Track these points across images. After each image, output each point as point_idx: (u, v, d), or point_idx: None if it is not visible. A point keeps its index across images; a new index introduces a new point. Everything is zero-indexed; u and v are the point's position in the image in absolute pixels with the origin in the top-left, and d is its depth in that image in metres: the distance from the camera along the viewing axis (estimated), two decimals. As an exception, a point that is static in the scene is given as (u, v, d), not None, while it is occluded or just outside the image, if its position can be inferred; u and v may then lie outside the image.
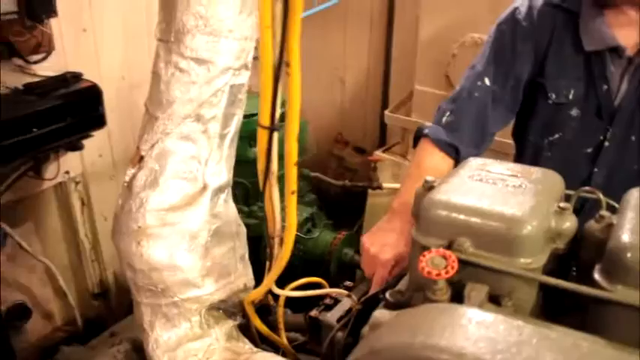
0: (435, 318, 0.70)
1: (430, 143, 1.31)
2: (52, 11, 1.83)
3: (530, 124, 1.43)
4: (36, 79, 1.87)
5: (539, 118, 1.40)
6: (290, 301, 1.24)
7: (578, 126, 1.37)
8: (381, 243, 1.19)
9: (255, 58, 0.94)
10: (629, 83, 1.30)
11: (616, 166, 1.37)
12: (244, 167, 1.65)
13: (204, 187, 1.05)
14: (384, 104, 3.16)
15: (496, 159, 1.03)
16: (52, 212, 2.28)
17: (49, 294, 2.35)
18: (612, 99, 1.32)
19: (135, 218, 1.03)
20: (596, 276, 0.78)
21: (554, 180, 0.96)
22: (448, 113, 1.35)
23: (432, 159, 1.30)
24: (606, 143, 1.36)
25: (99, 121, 1.97)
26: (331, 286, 1.26)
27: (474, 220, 0.85)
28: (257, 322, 1.15)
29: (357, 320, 1.12)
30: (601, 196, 0.90)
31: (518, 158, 1.52)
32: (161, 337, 1.03)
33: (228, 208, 1.11)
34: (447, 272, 0.77)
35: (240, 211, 1.21)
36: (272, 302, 1.26)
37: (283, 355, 1.27)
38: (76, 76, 1.92)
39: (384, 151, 2.67)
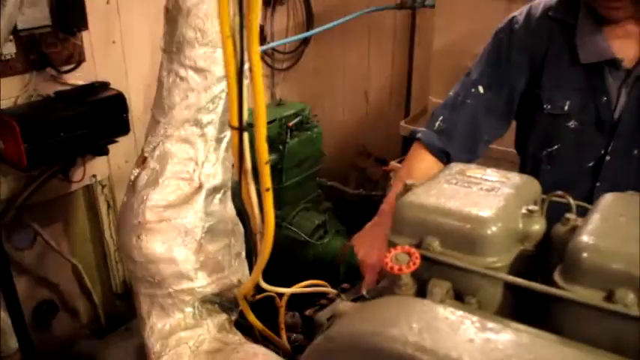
0: (389, 309, 0.74)
1: (422, 147, 1.34)
2: (83, 25, 1.97)
3: (529, 136, 1.44)
4: (66, 88, 2.02)
5: (537, 130, 1.41)
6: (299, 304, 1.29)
7: (577, 139, 1.36)
8: (370, 246, 1.22)
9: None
10: (628, 95, 1.29)
11: (619, 181, 1.33)
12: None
13: (200, 187, 1.12)
14: (407, 117, 3.20)
15: (501, 168, 1.04)
16: (80, 214, 2.41)
17: (75, 292, 2.47)
18: (612, 111, 1.31)
19: (136, 214, 1.12)
20: (556, 276, 0.81)
21: (529, 185, 0.98)
22: (441, 119, 1.38)
23: (423, 163, 1.33)
24: (607, 157, 1.34)
25: (124, 128, 2.09)
26: (330, 300, 1.31)
27: (442, 220, 0.88)
28: (251, 318, 1.21)
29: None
30: (571, 200, 0.92)
31: (521, 171, 1.53)
32: (156, 325, 1.11)
33: (224, 207, 1.18)
34: (408, 267, 0.81)
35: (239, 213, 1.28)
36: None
37: (284, 355, 1.32)
38: (103, 85, 2.05)
39: (399, 162, 2.71)
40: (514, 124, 1.49)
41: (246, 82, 0.79)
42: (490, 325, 0.69)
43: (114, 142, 2.11)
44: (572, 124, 1.35)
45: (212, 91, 1.10)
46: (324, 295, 1.33)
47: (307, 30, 3.12)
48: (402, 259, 0.83)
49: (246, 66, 0.74)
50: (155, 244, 1.09)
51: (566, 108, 1.34)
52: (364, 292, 1.12)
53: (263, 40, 2.95)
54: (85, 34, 2.05)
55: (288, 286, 1.19)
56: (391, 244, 0.93)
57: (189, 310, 1.12)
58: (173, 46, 1.10)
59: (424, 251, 0.86)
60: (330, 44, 3.34)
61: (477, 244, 0.85)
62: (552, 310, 0.81)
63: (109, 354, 1.58)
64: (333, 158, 3.09)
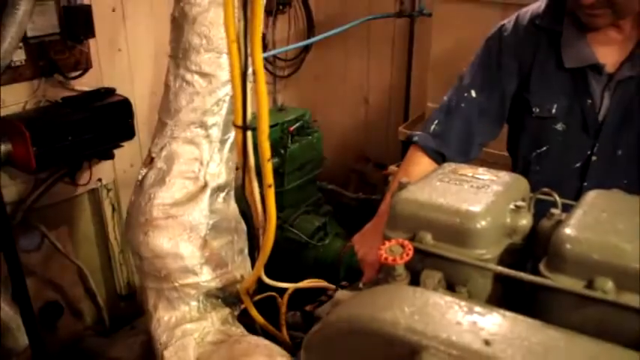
0: (383, 296, 0.80)
1: (419, 149, 1.39)
2: (90, 33, 2.04)
3: (520, 139, 1.49)
4: (73, 94, 2.08)
5: (526, 133, 1.46)
6: (298, 304, 1.33)
7: (565, 140, 1.42)
8: (368, 245, 1.27)
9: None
10: (611, 98, 1.35)
11: (605, 181, 1.38)
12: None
13: (205, 186, 1.17)
14: (406, 122, 3.26)
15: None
16: (85, 217, 2.46)
17: (80, 294, 2.51)
18: (596, 114, 1.37)
19: (143, 212, 1.17)
20: (541, 266, 0.86)
21: (517, 183, 1.03)
22: (437, 122, 1.43)
23: (419, 165, 1.38)
24: (593, 158, 1.40)
25: (129, 133, 2.15)
26: (329, 297, 1.35)
27: (434, 215, 0.93)
28: (253, 312, 1.25)
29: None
30: (556, 197, 0.98)
31: (513, 171, 1.59)
32: (162, 318, 1.16)
33: (227, 206, 1.24)
34: (401, 258, 0.86)
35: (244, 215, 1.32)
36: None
37: (285, 349, 1.36)
38: (109, 91, 2.11)
39: (398, 166, 2.76)
40: (505, 127, 1.55)
41: (250, 85, 0.84)
42: (477, 309, 0.74)
43: (119, 146, 2.17)
44: (559, 126, 1.41)
45: (217, 95, 1.16)
46: (324, 293, 1.38)
47: (308, 38, 3.19)
48: (396, 251, 0.88)
49: (250, 69, 0.79)
50: (162, 240, 1.15)
51: (553, 111, 1.40)
52: (360, 285, 1.17)
53: (265, 47, 3.02)
54: (91, 41, 2.11)
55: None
56: (386, 238, 0.99)
57: (194, 303, 1.17)
58: (179, 52, 1.16)
59: (417, 244, 0.91)
60: (331, 52, 3.41)
61: (467, 237, 0.90)
62: (538, 299, 0.86)
63: (115, 349, 1.63)
64: (333, 162, 3.14)
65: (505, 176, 1.05)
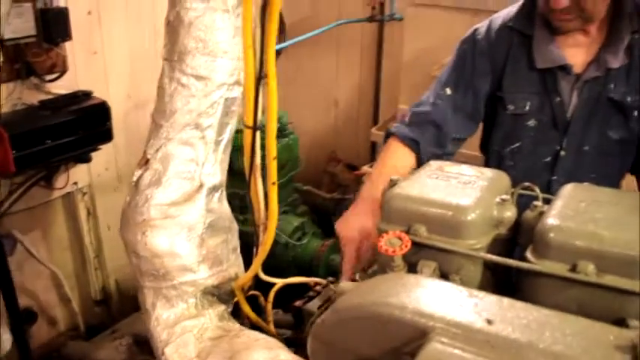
0: (387, 283, 0.85)
1: (395, 139, 1.47)
2: (66, 35, 2.02)
3: (493, 135, 1.59)
4: (50, 97, 2.06)
5: (500, 129, 1.56)
6: (282, 303, 1.36)
7: (536, 136, 1.52)
8: (351, 226, 1.30)
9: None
10: (579, 97, 1.46)
11: (573, 175, 1.49)
12: (240, 179, 1.81)
13: (201, 186, 1.20)
14: (375, 124, 3.34)
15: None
16: (59, 221, 2.43)
17: (54, 300, 2.47)
18: (565, 111, 1.48)
19: (140, 212, 1.19)
20: (528, 254, 0.93)
21: (500, 178, 1.11)
22: (411, 113, 1.52)
23: (396, 153, 1.45)
24: (562, 152, 1.51)
25: (106, 136, 2.15)
26: (317, 292, 1.40)
27: (427, 209, 1.00)
28: (246, 308, 1.29)
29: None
30: (538, 191, 1.06)
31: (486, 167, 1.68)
32: (161, 315, 1.18)
33: (222, 205, 1.27)
34: (400, 249, 0.92)
35: (236, 219, 1.35)
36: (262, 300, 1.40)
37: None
38: (87, 94, 2.10)
39: (370, 167, 2.84)
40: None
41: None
42: (475, 293, 0.81)
43: (96, 149, 2.16)
44: (531, 122, 1.52)
45: (212, 97, 1.19)
46: (309, 290, 1.43)
47: (279, 42, 3.23)
48: (395, 243, 0.94)
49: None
50: (160, 240, 1.17)
51: (527, 108, 1.50)
52: (357, 277, 1.20)
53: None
54: (68, 44, 2.10)
55: (271, 286, 1.26)
56: (381, 232, 1.05)
57: (192, 300, 1.19)
58: (175, 55, 1.19)
59: (412, 236, 0.97)
60: (300, 55, 3.46)
61: (459, 229, 0.97)
62: (525, 284, 0.94)
63: (100, 353, 1.63)
64: (305, 164, 3.19)
65: (488, 172, 1.13)
